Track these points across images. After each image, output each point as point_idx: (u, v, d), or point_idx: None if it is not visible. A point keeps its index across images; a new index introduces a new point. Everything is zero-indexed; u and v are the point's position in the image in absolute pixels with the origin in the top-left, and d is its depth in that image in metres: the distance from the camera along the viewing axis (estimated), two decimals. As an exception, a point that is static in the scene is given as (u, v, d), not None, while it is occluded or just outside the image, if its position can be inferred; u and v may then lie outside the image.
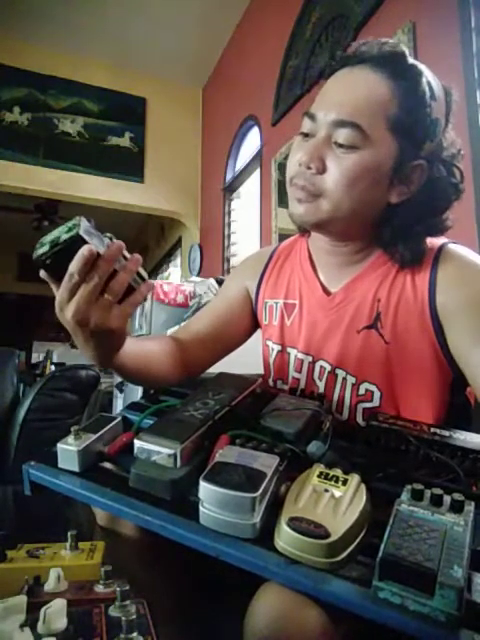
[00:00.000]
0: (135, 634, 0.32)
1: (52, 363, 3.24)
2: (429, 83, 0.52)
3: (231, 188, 2.93)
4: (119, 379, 2.45)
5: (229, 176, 2.94)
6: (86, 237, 0.40)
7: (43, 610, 0.33)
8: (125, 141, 3.35)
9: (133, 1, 2.75)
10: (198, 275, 3.02)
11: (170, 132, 3.48)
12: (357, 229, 0.57)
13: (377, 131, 0.51)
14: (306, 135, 0.56)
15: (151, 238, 5.16)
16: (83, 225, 0.41)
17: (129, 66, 3.33)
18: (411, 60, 0.53)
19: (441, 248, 0.56)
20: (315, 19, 1.95)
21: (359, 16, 1.64)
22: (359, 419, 0.58)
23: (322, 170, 0.53)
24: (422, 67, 0.53)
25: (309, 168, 0.53)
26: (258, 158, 2.50)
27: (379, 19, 1.58)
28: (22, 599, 0.35)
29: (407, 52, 0.54)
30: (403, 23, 1.44)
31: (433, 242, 0.57)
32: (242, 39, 2.87)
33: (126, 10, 2.80)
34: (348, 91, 0.53)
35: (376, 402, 0.57)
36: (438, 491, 0.34)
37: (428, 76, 0.53)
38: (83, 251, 0.40)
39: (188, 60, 3.25)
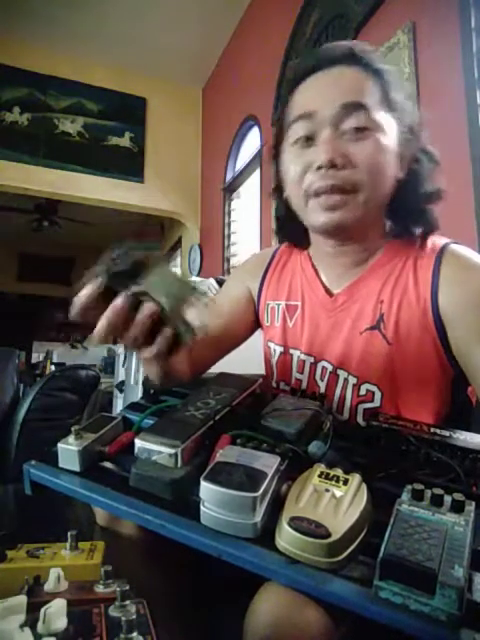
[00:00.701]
0: (135, 634, 0.32)
1: (52, 363, 3.24)
2: (389, 69, 0.56)
3: (231, 188, 2.93)
4: (119, 379, 2.45)
5: (229, 176, 2.94)
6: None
7: (43, 610, 0.33)
8: (125, 141, 3.35)
9: (133, 1, 2.75)
10: (198, 275, 3.02)
11: (170, 132, 3.48)
12: (375, 220, 0.58)
13: (377, 111, 0.53)
14: (306, 139, 0.54)
15: (151, 238, 5.17)
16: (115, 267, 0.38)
17: (129, 66, 3.33)
18: (370, 55, 0.56)
19: (443, 248, 0.56)
20: (315, 19, 1.95)
21: (359, 16, 1.64)
22: (359, 419, 0.58)
23: (347, 164, 0.51)
24: (378, 57, 0.57)
25: (333, 165, 0.51)
26: (258, 158, 2.50)
27: (379, 19, 1.58)
28: (22, 599, 0.35)
29: (361, 46, 0.56)
30: (403, 23, 1.44)
31: (435, 242, 0.58)
32: (242, 39, 2.87)
33: (126, 10, 2.80)
34: (338, 83, 0.53)
35: (377, 403, 0.57)
36: (439, 491, 0.34)
37: (385, 64, 0.56)
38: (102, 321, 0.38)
39: (188, 60, 3.25)
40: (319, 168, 0.51)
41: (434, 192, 0.58)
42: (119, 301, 0.38)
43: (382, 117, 0.53)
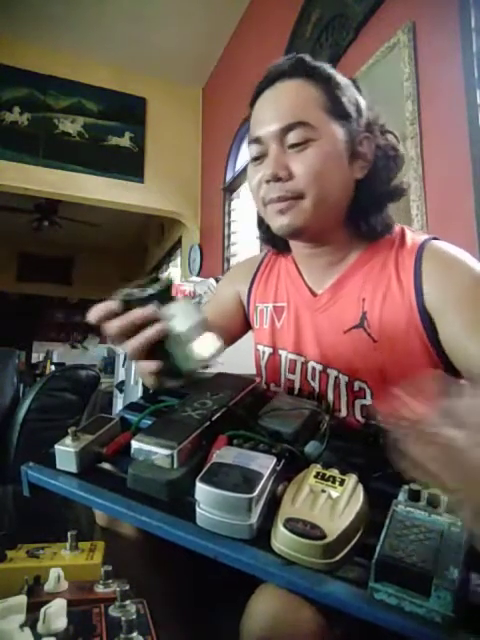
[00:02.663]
0: (135, 634, 0.32)
1: (52, 363, 3.25)
2: (336, 75, 0.59)
3: (231, 188, 2.93)
4: (119, 379, 2.45)
5: (229, 176, 2.93)
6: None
7: (43, 610, 0.33)
8: (125, 141, 3.35)
9: (133, 1, 2.74)
10: (198, 275, 3.02)
11: (170, 132, 3.47)
12: (336, 222, 0.59)
13: (320, 121, 0.55)
14: (257, 158, 0.58)
15: (151, 238, 5.16)
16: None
17: (129, 66, 3.33)
18: (314, 62, 0.59)
19: (423, 244, 0.57)
20: (315, 19, 1.95)
21: (359, 16, 1.63)
22: (358, 416, 0.58)
23: (290, 175, 0.55)
24: (325, 64, 0.59)
25: (278, 179, 0.55)
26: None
27: (379, 19, 1.58)
28: (22, 599, 0.35)
29: (307, 57, 0.58)
30: (403, 23, 1.44)
31: (415, 239, 0.59)
32: (242, 39, 2.87)
33: (126, 10, 2.80)
34: (279, 103, 0.57)
35: (368, 400, 0.57)
36: (435, 492, 0.35)
37: (331, 70, 0.59)
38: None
39: (188, 60, 3.24)
40: (267, 181, 0.57)
41: (391, 190, 0.60)
42: (141, 311, 0.43)
43: (326, 125, 0.56)
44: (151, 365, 0.44)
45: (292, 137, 0.55)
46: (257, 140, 0.58)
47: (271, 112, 0.57)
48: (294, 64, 0.58)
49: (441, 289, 0.53)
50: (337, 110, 0.56)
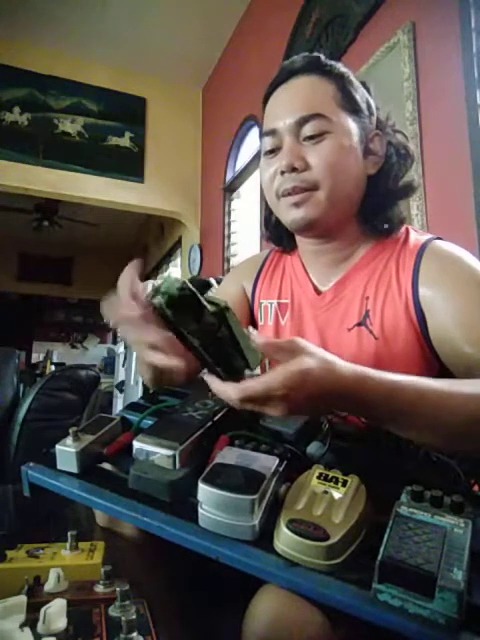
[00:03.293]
0: (135, 634, 0.32)
1: (52, 363, 3.24)
2: (349, 73, 0.60)
3: (231, 188, 2.93)
4: (119, 379, 2.45)
5: (229, 176, 2.93)
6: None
7: (43, 610, 0.33)
8: (125, 141, 3.34)
9: (133, 1, 2.74)
10: (198, 275, 3.02)
11: (170, 132, 3.47)
12: (348, 216, 0.60)
13: (335, 114, 0.56)
14: (271, 151, 0.59)
15: (151, 238, 5.16)
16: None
17: (129, 66, 3.33)
18: (328, 60, 0.59)
19: (425, 245, 0.58)
20: (315, 19, 1.95)
21: (359, 16, 1.63)
22: None
23: (306, 166, 0.56)
24: (338, 63, 0.60)
25: (294, 169, 0.56)
26: (258, 158, 2.49)
27: (379, 19, 1.58)
28: (22, 599, 0.35)
29: (322, 56, 0.59)
30: (403, 23, 1.44)
31: (418, 239, 0.59)
32: (242, 39, 2.87)
33: (126, 10, 2.80)
34: (294, 97, 0.58)
35: None
36: (438, 493, 0.34)
37: (344, 68, 0.60)
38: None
39: (188, 60, 3.24)
40: (282, 173, 0.57)
41: (402, 188, 0.61)
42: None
43: (341, 119, 0.57)
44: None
45: (308, 129, 0.56)
46: (272, 132, 0.58)
47: (287, 105, 0.58)
48: (309, 62, 0.59)
49: (436, 288, 0.54)
50: (350, 105, 0.57)
